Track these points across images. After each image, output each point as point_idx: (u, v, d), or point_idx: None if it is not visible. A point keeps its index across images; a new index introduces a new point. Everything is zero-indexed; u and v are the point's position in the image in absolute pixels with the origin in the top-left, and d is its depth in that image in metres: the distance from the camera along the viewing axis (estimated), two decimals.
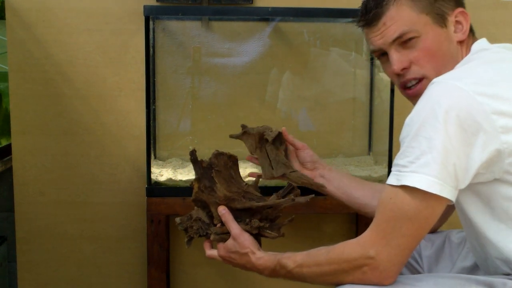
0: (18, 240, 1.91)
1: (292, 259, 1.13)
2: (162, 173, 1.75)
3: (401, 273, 1.06)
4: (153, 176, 1.72)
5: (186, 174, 1.75)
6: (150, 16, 1.69)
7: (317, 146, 1.96)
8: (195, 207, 1.33)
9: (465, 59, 1.11)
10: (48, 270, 1.93)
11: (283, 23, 1.89)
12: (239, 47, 1.89)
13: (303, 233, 1.95)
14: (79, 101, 1.87)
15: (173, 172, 1.76)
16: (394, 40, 1.13)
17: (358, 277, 1.03)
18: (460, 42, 1.14)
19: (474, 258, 1.20)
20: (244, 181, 1.32)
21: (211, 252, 1.28)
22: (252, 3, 1.85)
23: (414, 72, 1.14)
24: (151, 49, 1.72)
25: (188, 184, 1.71)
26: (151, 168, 1.71)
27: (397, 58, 1.14)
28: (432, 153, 0.95)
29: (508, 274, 1.04)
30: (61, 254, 1.93)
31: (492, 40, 1.93)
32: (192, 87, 1.92)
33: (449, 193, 0.96)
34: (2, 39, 2.17)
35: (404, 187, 0.97)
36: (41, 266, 1.92)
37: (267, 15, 1.80)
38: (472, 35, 1.17)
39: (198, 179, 1.27)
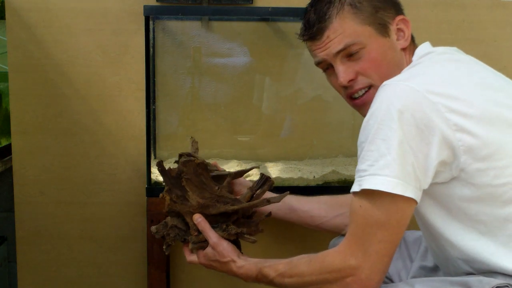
0: (18, 240, 1.91)
1: (274, 268, 1.12)
2: None
3: None
4: (153, 176, 1.72)
5: None
6: (150, 16, 1.69)
7: (317, 146, 1.97)
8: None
9: (412, 63, 1.11)
10: (48, 270, 1.93)
11: (283, 23, 1.89)
12: (239, 47, 1.89)
13: (299, 236, 1.95)
14: (79, 101, 1.87)
15: None
16: (339, 52, 1.14)
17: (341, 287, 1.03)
18: (404, 49, 1.15)
19: (434, 260, 1.20)
20: (216, 185, 1.27)
21: (192, 258, 1.27)
22: (252, 3, 1.85)
23: (361, 82, 1.15)
24: (151, 49, 1.72)
25: None
26: (151, 168, 1.71)
27: (343, 70, 1.14)
28: (391, 154, 0.95)
29: (470, 274, 1.05)
30: (61, 254, 1.93)
31: (492, 40, 1.95)
32: (192, 87, 1.92)
33: (412, 193, 0.97)
34: (2, 39, 2.17)
35: (369, 193, 0.97)
36: (41, 266, 1.92)
37: (267, 15, 1.81)
38: (413, 41, 1.18)
39: (168, 190, 1.24)
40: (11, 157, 1.89)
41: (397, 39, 1.13)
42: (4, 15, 1.82)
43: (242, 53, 1.90)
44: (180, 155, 1.26)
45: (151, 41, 1.72)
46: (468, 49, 1.93)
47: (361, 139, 1.01)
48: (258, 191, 1.26)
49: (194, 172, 1.23)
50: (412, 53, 1.15)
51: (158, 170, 1.25)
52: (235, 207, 1.23)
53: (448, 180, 1.00)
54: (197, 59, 1.90)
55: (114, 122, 1.88)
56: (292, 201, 1.39)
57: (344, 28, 1.12)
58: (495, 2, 1.94)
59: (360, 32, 1.12)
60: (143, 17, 1.65)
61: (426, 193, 1.01)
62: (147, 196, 1.71)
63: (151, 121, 1.73)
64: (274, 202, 1.25)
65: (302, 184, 1.75)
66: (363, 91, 1.16)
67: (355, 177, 1.02)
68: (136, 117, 1.87)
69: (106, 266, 1.94)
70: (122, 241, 1.93)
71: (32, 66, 1.84)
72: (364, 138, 1.00)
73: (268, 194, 1.35)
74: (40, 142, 1.87)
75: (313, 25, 1.15)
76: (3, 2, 1.90)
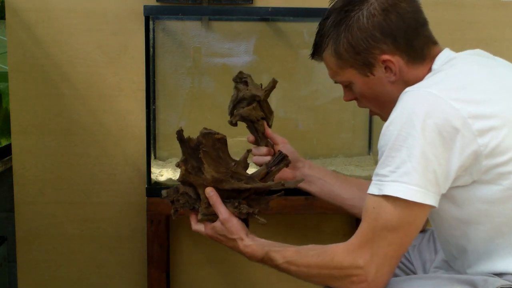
0: (18, 240, 1.91)
1: (282, 253, 1.13)
2: (162, 173, 1.75)
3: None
4: (153, 176, 1.72)
5: None
6: (150, 16, 1.69)
7: (317, 146, 1.97)
8: None
9: (433, 70, 1.10)
10: (48, 270, 1.93)
11: (283, 23, 1.89)
12: (239, 47, 1.89)
13: (303, 233, 1.95)
14: (79, 101, 1.87)
15: (173, 172, 1.76)
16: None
17: (346, 285, 1.04)
18: (394, 82, 1.13)
19: (447, 257, 1.21)
20: (233, 160, 1.26)
21: (198, 227, 1.25)
22: (252, 3, 1.85)
23: (363, 105, 1.21)
24: (151, 49, 1.72)
25: None
26: (151, 168, 1.71)
27: (344, 93, 1.21)
28: (412, 162, 0.95)
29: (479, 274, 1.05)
30: (61, 254, 1.93)
31: (492, 40, 1.94)
32: (192, 87, 1.92)
33: (431, 200, 0.97)
34: (2, 39, 2.17)
35: (386, 197, 0.98)
36: (41, 266, 1.93)
37: (267, 15, 1.80)
38: (433, 44, 1.14)
39: (185, 160, 1.22)
40: (11, 157, 1.89)
41: (386, 74, 1.13)
42: (4, 15, 1.82)
43: (242, 53, 1.90)
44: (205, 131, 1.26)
45: (151, 41, 1.72)
46: (468, 49, 1.94)
47: (381, 143, 1.01)
48: (273, 168, 1.26)
49: (213, 146, 1.23)
50: (410, 79, 1.13)
51: (177, 138, 1.23)
52: (249, 185, 1.22)
53: (468, 183, 1.00)
54: (197, 59, 1.90)
55: (114, 122, 1.88)
56: (334, 185, 1.38)
57: (330, 66, 1.17)
58: (495, 2, 1.94)
59: (342, 72, 1.16)
60: (143, 17, 1.65)
61: (444, 196, 1.01)
62: (147, 196, 1.71)
63: (151, 121, 1.73)
64: (289, 187, 1.25)
65: None
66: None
67: (373, 179, 1.02)
68: (136, 117, 1.87)
69: (106, 266, 1.94)
70: (122, 241, 1.93)
71: (32, 66, 1.84)
72: (384, 142, 1.00)
73: (285, 173, 1.37)
74: (40, 142, 1.87)
75: (312, 53, 1.21)
76: (3, 2, 1.90)
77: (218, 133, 1.23)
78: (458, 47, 1.98)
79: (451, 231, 1.08)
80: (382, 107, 1.11)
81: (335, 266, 1.04)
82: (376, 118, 1.94)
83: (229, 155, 1.26)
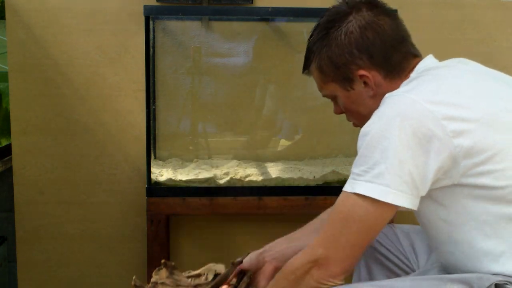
0: (18, 240, 1.91)
1: None
2: (162, 173, 1.75)
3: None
4: (153, 176, 1.72)
5: (186, 174, 1.75)
6: (150, 16, 1.69)
7: (317, 146, 1.97)
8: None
9: (410, 77, 1.13)
10: (48, 270, 1.93)
11: (283, 23, 1.89)
12: (239, 47, 1.89)
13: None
14: (79, 101, 1.87)
15: (173, 172, 1.77)
16: None
17: (309, 283, 1.06)
18: (374, 96, 1.17)
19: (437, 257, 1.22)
20: (188, 278, 1.37)
21: None
22: (252, 3, 1.85)
23: (349, 118, 1.26)
24: (151, 49, 1.72)
25: (188, 185, 1.71)
26: (151, 168, 1.71)
27: (333, 106, 1.26)
28: (385, 163, 0.99)
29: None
30: (61, 254, 1.93)
31: (492, 40, 1.95)
32: (192, 87, 1.92)
33: (406, 201, 0.99)
34: (2, 39, 2.17)
35: (357, 194, 1.01)
36: (41, 266, 1.92)
37: (267, 15, 1.80)
38: (414, 56, 1.17)
39: None
40: (11, 157, 1.89)
41: (365, 88, 1.17)
42: (4, 15, 1.82)
43: (242, 53, 1.90)
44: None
45: (151, 41, 1.72)
46: (468, 49, 1.94)
47: (359, 144, 1.05)
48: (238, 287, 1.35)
49: (167, 277, 1.36)
50: (398, 82, 1.16)
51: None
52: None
53: (449, 185, 1.02)
54: (197, 59, 1.90)
55: (114, 122, 1.88)
56: (301, 242, 1.36)
57: (316, 80, 1.23)
58: (495, 2, 1.94)
59: (326, 86, 1.21)
60: (143, 17, 1.65)
61: (430, 198, 1.04)
62: (147, 196, 1.71)
63: (151, 121, 1.73)
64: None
65: (302, 184, 1.75)
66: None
67: (350, 176, 1.05)
68: (136, 117, 1.87)
69: (106, 266, 1.94)
70: (122, 241, 1.93)
71: (32, 66, 1.84)
72: (361, 143, 1.04)
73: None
74: (40, 142, 1.87)
75: (302, 68, 1.25)
76: (3, 2, 1.90)
77: (165, 263, 1.37)
78: (458, 47, 2.00)
79: (439, 236, 1.10)
80: (364, 120, 1.14)
81: (295, 269, 1.08)
82: None
83: (183, 276, 1.38)
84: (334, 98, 1.23)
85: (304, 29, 1.90)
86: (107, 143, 1.89)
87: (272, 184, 1.74)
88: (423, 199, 1.03)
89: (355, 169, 1.03)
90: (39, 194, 1.89)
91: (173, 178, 1.72)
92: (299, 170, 1.80)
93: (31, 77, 1.85)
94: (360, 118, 1.20)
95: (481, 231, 1.03)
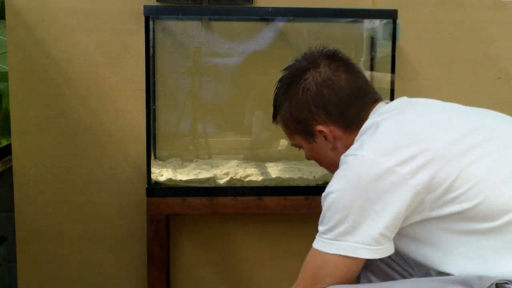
0: (18, 240, 1.91)
1: None
2: (162, 173, 1.75)
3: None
4: (153, 176, 1.72)
5: (186, 174, 1.75)
6: (150, 16, 1.69)
7: None
8: None
9: (360, 132, 1.16)
10: (48, 270, 1.93)
11: (283, 23, 1.89)
12: (239, 47, 1.89)
13: (303, 233, 1.95)
14: (79, 101, 1.87)
15: (173, 172, 1.77)
16: None
17: None
18: (334, 148, 1.21)
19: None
20: None
21: None
22: (252, 3, 1.85)
23: (320, 164, 1.30)
24: (151, 49, 1.72)
25: (188, 185, 1.71)
26: (151, 168, 1.71)
27: (304, 152, 1.29)
28: (348, 221, 1.02)
29: None
30: (61, 254, 1.93)
31: (492, 40, 1.94)
32: (192, 87, 1.92)
33: (371, 254, 1.02)
34: (2, 39, 2.17)
35: (324, 253, 1.05)
36: (41, 266, 1.92)
37: (267, 15, 1.80)
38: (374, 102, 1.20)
39: None
40: (11, 157, 1.89)
41: (325, 141, 1.21)
42: (4, 15, 1.82)
43: (242, 53, 1.90)
44: None
45: (151, 41, 1.72)
46: (468, 49, 1.94)
47: (322, 205, 1.09)
48: None
49: None
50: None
51: None
52: None
53: (421, 220, 1.04)
54: (197, 59, 1.90)
55: (114, 122, 1.88)
56: None
57: (284, 132, 1.28)
58: (495, 2, 1.94)
59: (292, 138, 1.27)
60: (143, 17, 1.65)
61: (406, 237, 1.07)
62: (147, 196, 1.71)
63: (151, 121, 1.73)
64: None
65: (302, 184, 1.75)
66: None
67: (317, 234, 1.08)
68: (136, 117, 1.87)
69: (106, 266, 1.94)
70: (122, 241, 1.93)
71: (32, 66, 1.84)
72: (323, 204, 1.08)
73: None
74: (40, 142, 1.87)
75: (272, 117, 1.29)
76: (3, 2, 1.90)
77: None
78: (458, 47, 1.99)
79: (428, 265, 1.11)
80: (333, 167, 1.17)
81: None
82: None
83: None
84: (301, 147, 1.27)
85: (304, 29, 1.91)
86: (107, 143, 1.89)
87: (272, 184, 1.74)
88: (399, 238, 1.06)
89: (320, 227, 1.07)
90: (39, 194, 1.89)
91: (173, 178, 1.72)
92: (299, 170, 1.80)
93: (31, 77, 1.85)
94: (328, 166, 1.26)
95: (467, 257, 1.04)
